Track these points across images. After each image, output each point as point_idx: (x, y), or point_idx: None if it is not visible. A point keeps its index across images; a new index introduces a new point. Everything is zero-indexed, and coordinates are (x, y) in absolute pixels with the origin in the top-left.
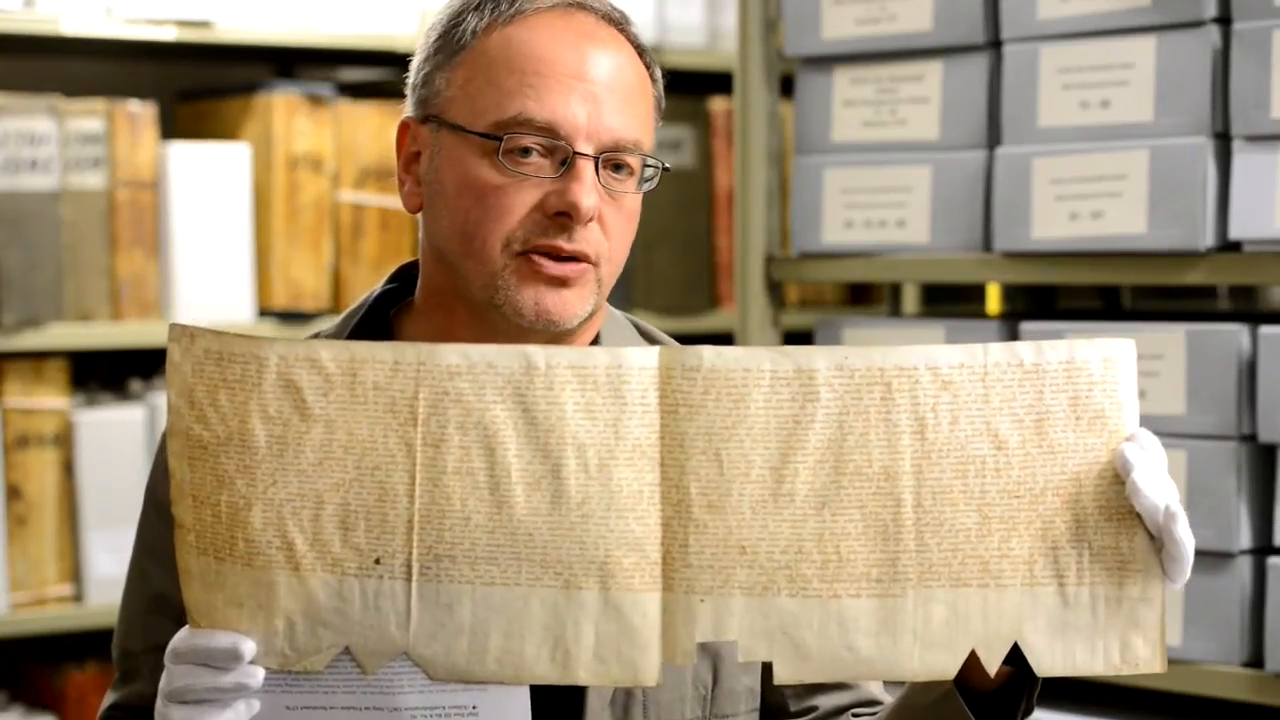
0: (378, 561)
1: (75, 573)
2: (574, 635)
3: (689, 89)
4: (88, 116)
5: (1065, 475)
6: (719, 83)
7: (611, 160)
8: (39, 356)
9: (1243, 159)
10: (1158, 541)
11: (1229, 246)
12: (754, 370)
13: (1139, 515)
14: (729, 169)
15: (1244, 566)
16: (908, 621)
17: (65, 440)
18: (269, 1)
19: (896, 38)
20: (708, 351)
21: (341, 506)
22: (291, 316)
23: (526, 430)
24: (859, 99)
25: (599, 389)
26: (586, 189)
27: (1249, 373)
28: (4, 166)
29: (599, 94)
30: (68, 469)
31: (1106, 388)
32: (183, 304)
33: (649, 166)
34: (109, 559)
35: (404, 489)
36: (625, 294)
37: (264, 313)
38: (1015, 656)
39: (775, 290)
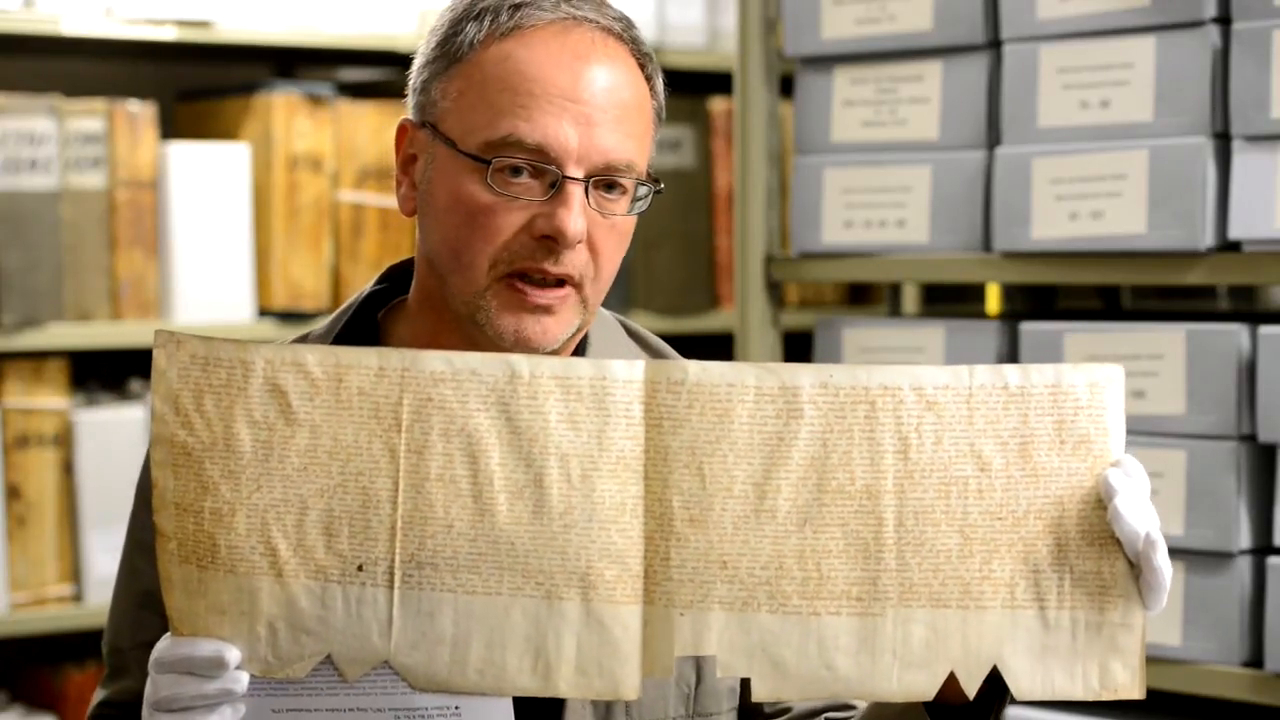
0: (360, 568)
1: (75, 573)
2: (555, 646)
3: (689, 89)
4: (88, 116)
5: (1048, 499)
6: (719, 83)
7: (603, 181)
8: (39, 356)
9: (1242, 159)
10: (1136, 569)
11: (1229, 246)
12: (738, 385)
13: (1119, 541)
14: (729, 169)
15: (1244, 566)
16: (887, 641)
17: (65, 440)
18: (269, 1)
19: (896, 38)
20: (693, 365)
21: (325, 512)
22: (291, 316)
23: (510, 439)
24: (859, 99)
25: (583, 400)
26: (574, 214)
27: (1249, 373)
28: (4, 166)
29: (592, 115)
30: (67, 469)
31: (1092, 413)
32: (182, 304)
33: (643, 185)
34: (109, 559)
35: (387, 495)
36: (625, 294)
37: (264, 313)
38: (990, 674)
39: (775, 290)
